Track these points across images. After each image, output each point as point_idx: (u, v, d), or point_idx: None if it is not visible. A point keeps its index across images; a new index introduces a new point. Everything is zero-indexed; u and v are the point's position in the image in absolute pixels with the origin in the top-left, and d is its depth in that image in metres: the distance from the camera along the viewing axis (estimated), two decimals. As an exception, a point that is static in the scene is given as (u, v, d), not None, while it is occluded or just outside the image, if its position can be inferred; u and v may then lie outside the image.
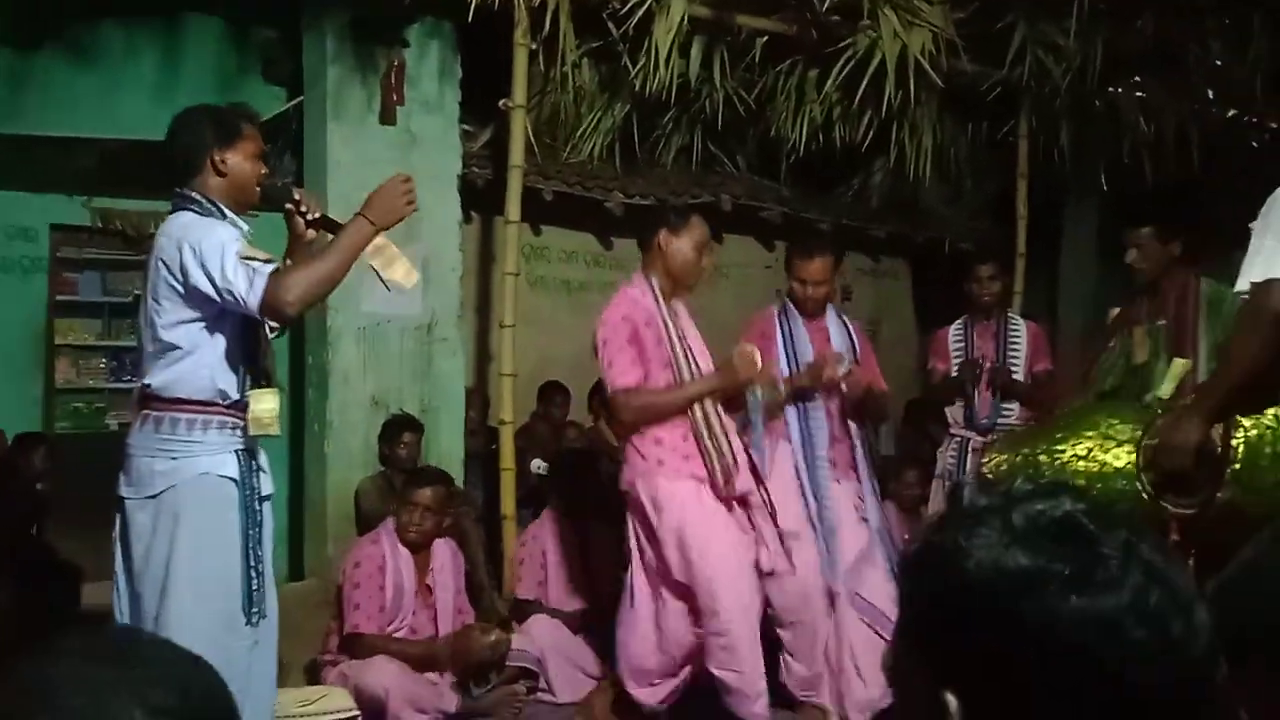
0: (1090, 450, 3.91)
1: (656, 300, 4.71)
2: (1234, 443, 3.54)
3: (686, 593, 4.59)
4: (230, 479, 3.50)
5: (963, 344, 6.04)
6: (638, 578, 4.74)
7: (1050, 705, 0.99)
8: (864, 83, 7.16)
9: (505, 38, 6.33)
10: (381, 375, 6.61)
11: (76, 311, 7.62)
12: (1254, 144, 8.97)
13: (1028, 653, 0.99)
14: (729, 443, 4.67)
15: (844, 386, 5.13)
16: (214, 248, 3.36)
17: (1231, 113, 8.75)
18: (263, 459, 3.65)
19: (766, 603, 4.83)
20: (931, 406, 6.69)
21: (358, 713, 4.69)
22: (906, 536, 6.47)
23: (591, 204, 7.79)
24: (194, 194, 3.54)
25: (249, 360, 3.56)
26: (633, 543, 4.75)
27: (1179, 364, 4.18)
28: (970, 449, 5.80)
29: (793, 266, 5.32)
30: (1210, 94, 8.54)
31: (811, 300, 5.26)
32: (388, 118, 6.64)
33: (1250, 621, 1.30)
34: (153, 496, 3.46)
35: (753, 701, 4.56)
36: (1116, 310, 4.75)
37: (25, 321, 6.94)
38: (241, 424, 3.53)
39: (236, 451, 3.52)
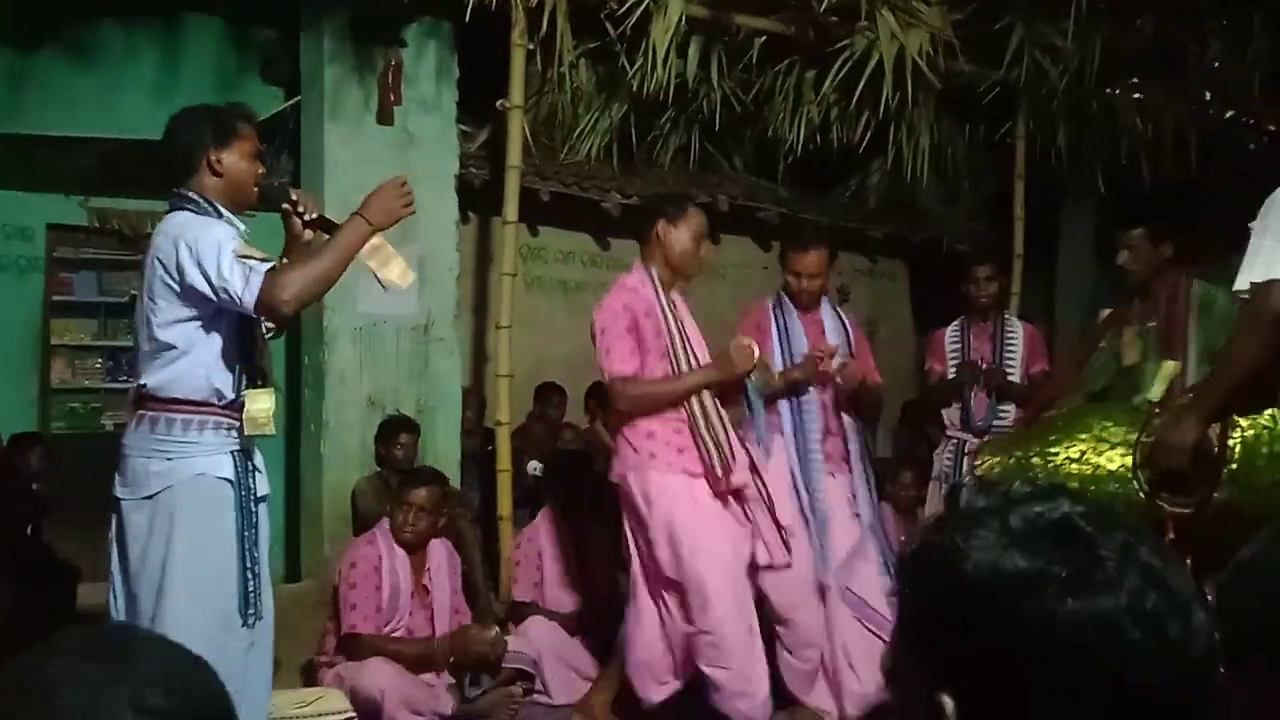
0: (1083, 453, 3.91)
1: (656, 290, 4.70)
2: (1231, 443, 3.54)
3: (677, 588, 4.58)
4: (226, 480, 3.49)
5: (959, 345, 6.04)
6: (639, 576, 4.73)
7: (1050, 705, 0.99)
8: (861, 83, 7.16)
9: (503, 38, 6.33)
10: (378, 375, 6.61)
11: (72, 311, 7.60)
12: (1252, 145, 8.98)
13: (1027, 653, 0.99)
14: (726, 434, 4.67)
15: (839, 380, 5.12)
16: (210, 246, 3.36)
17: (1229, 114, 8.77)
18: (258, 459, 3.65)
19: (763, 597, 4.82)
20: (928, 408, 6.70)
21: (354, 714, 4.67)
22: (903, 538, 6.48)
23: (589, 204, 7.79)
24: (191, 194, 3.54)
25: (245, 360, 3.55)
26: (629, 539, 4.74)
27: (1169, 365, 4.19)
28: (966, 451, 5.80)
29: (787, 259, 5.31)
30: (1208, 95, 8.55)
31: (806, 293, 5.25)
32: (385, 118, 6.64)
33: (1249, 622, 1.30)
34: (148, 497, 3.45)
35: (743, 698, 4.55)
36: (1107, 311, 4.76)
37: (21, 321, 6.94)
38: (237, 424, 3.52)
39: (232, 452, 3.52)
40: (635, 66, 6.81)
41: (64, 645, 1.06)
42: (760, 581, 4.79)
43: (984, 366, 5.93)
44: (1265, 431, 3.53)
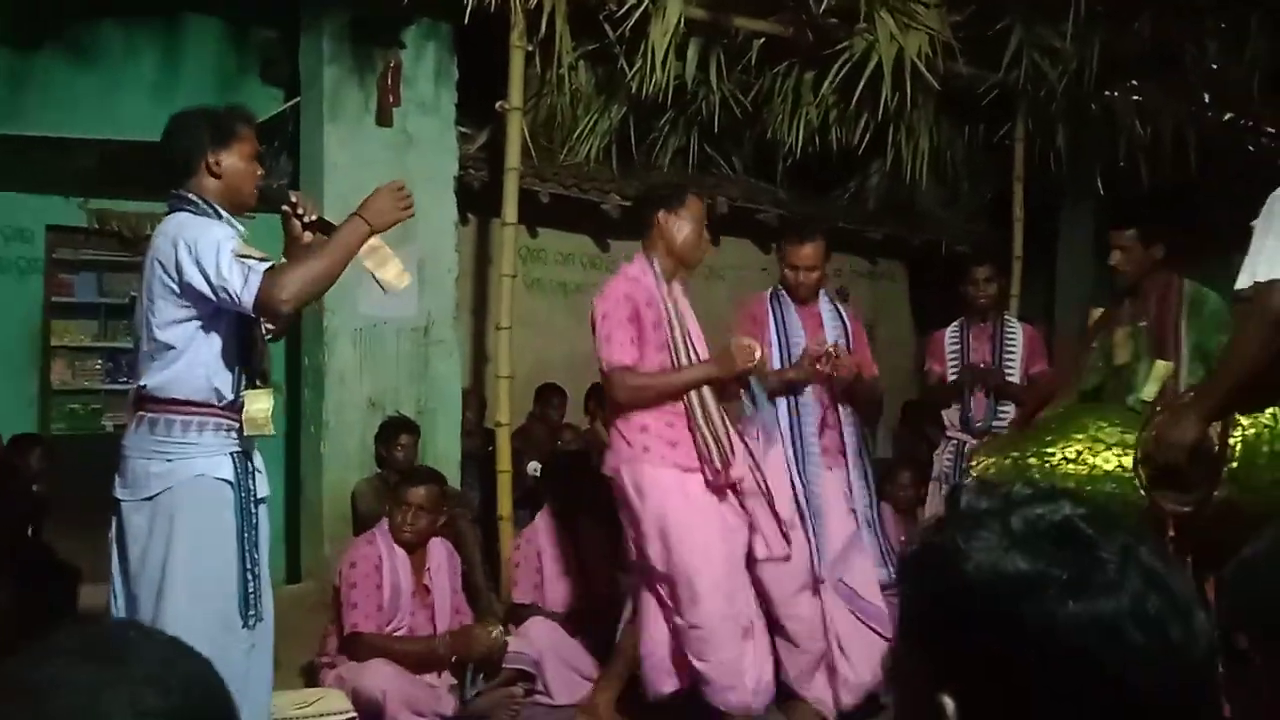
0: (1079, 453, 3.92)
1: (657, 281, 4.68)
2: (1232, 441, 3.55)
3: (668, 581, 4.57)
4: (226, 481, 3.49)
5: (959, 346, 6.04)
6: (639, 570, 4.74)
7: (1051, 707, 0.99)
8: (860, 85, 7.17)
9: (502, 40, 6.34)
10: (378, 377, 6.62)
11: (72, 313, 7.61)
12: (1251, 147, 8.99)
13: (1028, 655, 0.99)
14: (725, 428, 4.67)
15: (835, 372, 5.11)
16: (209, 245, 3.36)
17: (1228, 115, 8.77)
18: (258, 461, 3.65)
19: (763, 590, 4.83)
20: (928, 409, 6.70)
21: (355, 715, 4.67)
22: (903, 538, 6.48)
23: (588, 206, 7.79)
24: (190, 195, 3.55)
25: (244, 360, 3.55)
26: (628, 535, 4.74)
27: (1161, 366, 4.20)
28: (966, 451, 5.80)
29: (784, 252, 5.31)
30: (1207, 96, 8.56)
31: (804, 286, 5.24)
32: (384, 119, 6.65)
33: (1249, 617, 1.30)
34: (148, 499, 3.46)
35: (733, 691, 4.54)
36: (1099, 311, 4.77)
37: (21, 323, 6.94)
38: (237, 426, 3.53)
39: (232, 454, 3.52)
40: (634, 68, 6.82)
41: (61, 646, 1.05)
42: (759, 574, 4.79)
43: (983, 367, 5.94)
44: (1266, 430, 3.54)
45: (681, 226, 4.73)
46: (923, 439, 7.48)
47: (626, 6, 6.49)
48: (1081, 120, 8.23)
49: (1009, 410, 5.86)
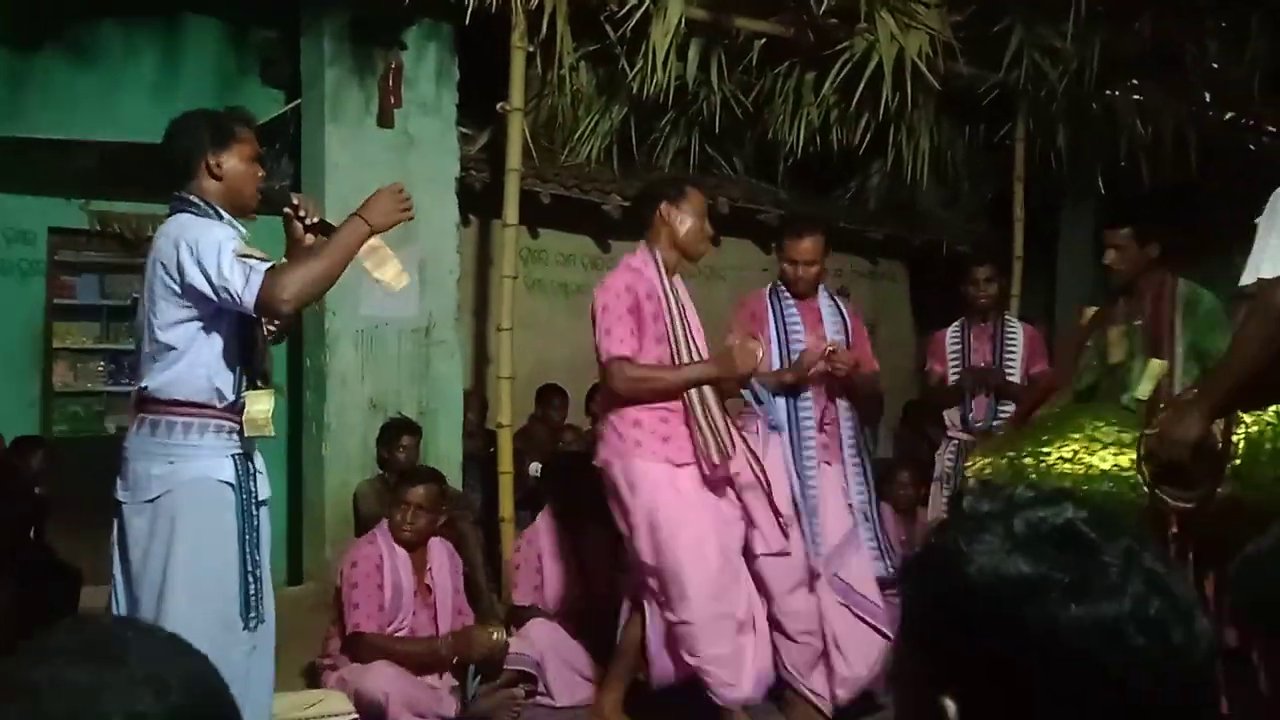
0: (1076, 453, 3.93)
1: (660, 273, 4.67)
2: (1235, 438, 3.55)
3: (657, 575, 4.56)
4: (227, 483, 3.49)
5: (960, 346, 6.05)
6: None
7: (1053, 709, 0.99)
8: (861, 85, 7.17)
9: (503, 40, 6.34)
10: (379, 378, 6.62)
11: (74, 315, 7.61)
12: (1251, 146, 8.98)
13: (1030, 657, 0.99)
14: (724, 423, 4.66)
15: (832, 367, 5.10)
16: (211, 246, 3.37)
17: (1229, 115, 8.77)
18: (259, 462, 3.65)
19: (761, 584, 4.82)
20: (929, 409, 6.70)
21: (356, 717, 4.68)
22: (903, 538, 6.49)
23: (589, 207, 7.79)
24: (191, 197, 3.55)
25: (245, 361, 3.55)
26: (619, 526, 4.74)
27: (1156, 364, 4.20)
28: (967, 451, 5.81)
29: (783, 247, 5.30)
30: (1207, 96, 8.56)
31: (803, 280, 5.23)
32: (385, 120, 6.65)
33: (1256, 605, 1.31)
34: (149, 501, 3.45)
35: (726, 687, 4.53)
36: (1092, 310, 4.78)
37: (23, 325, 6.94)
38: (238, 427, 3.53)
39: (233, 455, 3.52)
40: (635, 69, 6.82)
41: (58, 646, 1.04)
42: (757, 569, 4.79)
43: (984, 367, 5.94)
44: (1269, 427, 3.54)
45: (684, 219, 4.72)
46: (924, 439, 7.48)
47: (627, 7, 6.49)
48: (1082, 120, 8.23)
49: (1010, 410, 5.85)
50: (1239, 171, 7.94)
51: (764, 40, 7.23)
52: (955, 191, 9.21)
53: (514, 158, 6.35)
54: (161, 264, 3.45)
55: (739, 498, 4.71)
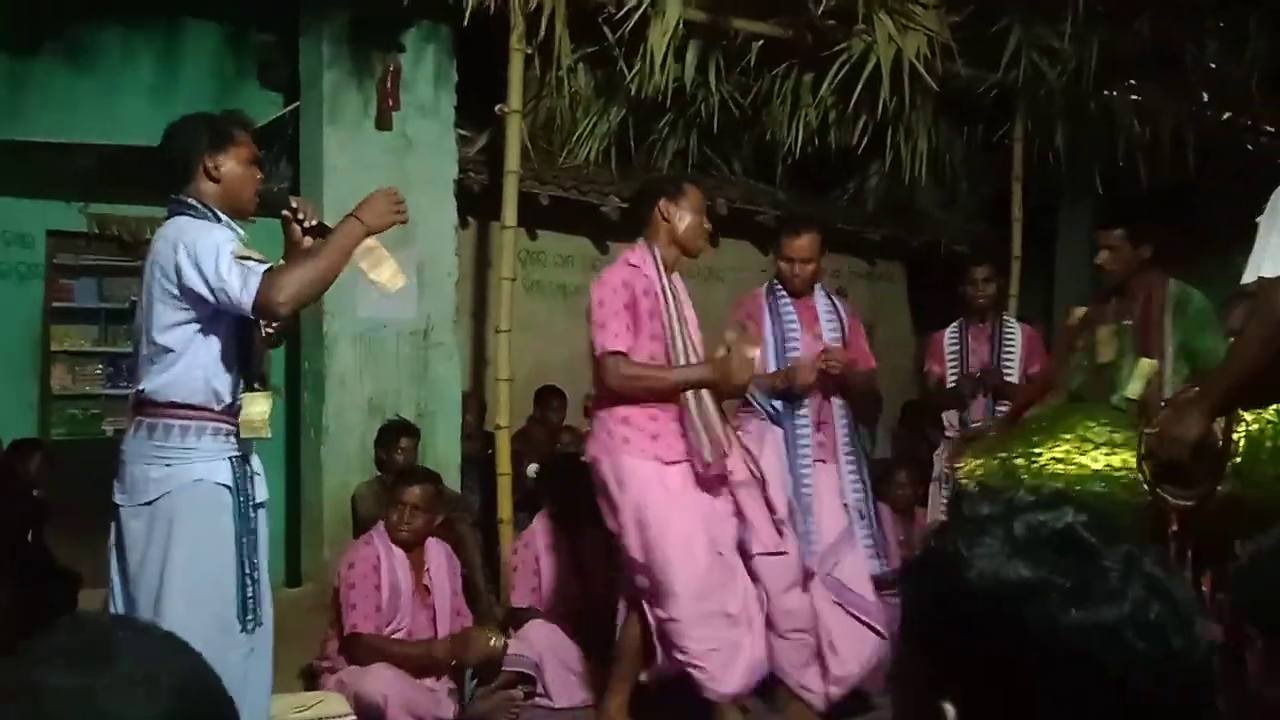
0: (1067, 453, 3.93)
1: (658, 270, 4.66)
2: (1235, 436, 3.56)
3: (646, 572, 4.56)
4: (224, 486, 3.50)
5: (958, 347, 6.05)
6: None
7: (1053, 710, 0.99)
8: (859, 86, 7.16)
9: (501, 42, 6.34)
10: (378, 380, 6.62)
11: (73, 318, 7.60)
12: (1250, 146, 8.98)
13: (1030, 659, 1.00)
14: (720, 420, 4.66)
15: (828, 367, 5.10)
16: (209, 248, 3.37)
17: (1227, 115, 8.77)
18: (257, 465, 3.66)
19: (756, 581, 4.82)
20: (928, 409, 6.70)
21: (353, 718, 4.68)
22: (901, 538, 6.49)
23: (587, 208, 7.79)
24: (189, 199, 3.56)
25: (243, 363, 3.56)
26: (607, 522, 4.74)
27: (1146, 363, 4.21)
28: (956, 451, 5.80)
29: (780, 245, 5.30)
30: (1206, 96, 8.56)
31: (799, 278, 5.24)
32: (384, 123, 6.65)
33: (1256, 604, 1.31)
34: (147, 504, 3.46)
35: (714, 681, 4.52)
36: (1080, 310, 4.78)
37: (21, 327, 6.94)
38: (235, 430, 3.53)
39: (231, 458, 3.52)
40: (633, 70, 6.82)
41: (49, 648, 1.04)
42: (754, 567, 4.79)
43: (982, 368, 5.94)
44: (1269, 426, 3.55)
45: (683, 215, 4.72)
46: (923, 439, 7.48)
47: (626, 9, 6.49)
48: (1080, 120, 8.22)
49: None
50: (1237, 171, 7.94)
51: (762, 41, 7.23)
52: (953, 192, 9.21)
53: (512, 160, 6.35)
54: (159, 266, 3.45)
55: (734, 495, 4.71)
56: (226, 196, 3.59)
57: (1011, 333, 6.06)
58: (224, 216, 3.57)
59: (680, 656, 4.54)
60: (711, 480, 4.63)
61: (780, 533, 4.81)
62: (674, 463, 4.59)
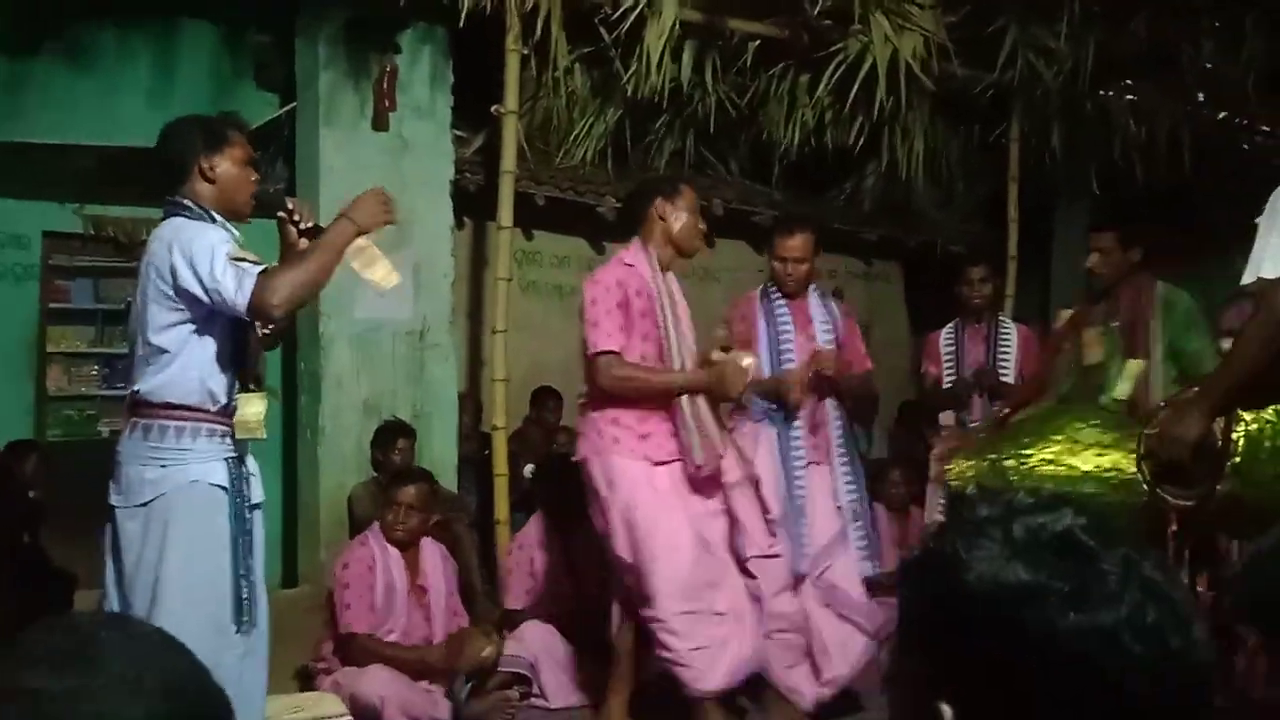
0: (1058, 454, 3.93)
1: (653, 270, 4.65)
2: (1235, 436, 3.56)
3: (633, 571, 4.55)
4: (220, 487, 3.50)
5: (954, 347, 6.05)
6: None
7: (1051, 711, 0.99)
8: (855, 87, 7.17)
9: (497, 43, 6.34)
10: (374, 381, 6.61)
11: (69, 319, 7.59)
12: (1246, 146, 8.99)
13: (1029, 661, 1.00)
14: (714, 424, 4.65)
15: (819, 368, 5.10)
16: (204, 249, 3.38)
17: (1223, 115, 8.78)
18: (253, 465, 3.65)
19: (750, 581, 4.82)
20: (925, 409, 6.70)
21: (349, 718, 4.67)
22: (896, 538, 6.49)
23: (584, 209, 7.79)
24: (185, 200, 3.56)
25: (238, 364, 3.56)
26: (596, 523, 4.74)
27: (1134, 364, 4.22)
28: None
29: (773, 245, 5.29)
30: (1202, 96, 8.56)
31: (793, 279, 5.22)
32: (380, 123, 6.64)
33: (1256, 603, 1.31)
34: (142, 505, 3.46)
35: (700, 678, 4.51)
36: (1068, 312, 4.79)
37: (17, 329, 6.94)
38: (231, 431, 3.53)
39: (226, 459, 3.52)
40: (630, 71, 6.82)
41: (33, 651, 1.03)
42: (750, 570, 4.78)
43: (978, 369, 5.94)
44: (1269, 425, 3.55)
45: (678, 214, 4.71)
46: (920, 440, 7.47)
47: (622, 9, 6.49)
48: (1076, 120, 8.23)
49: (1006, 411, 5.87)
50: (1233, 172, 7.95)
51: (758, 42, 7.23)
52: (950, 192, 9.22)
53: (508, 160, 6.35)
54: (155, 267, 3.45)
55: (726, 496, 4.71)
56: (222, 198, 3.59)
57: (1007, 333, 6.06)
58: (219, 217, 3.56)
59: (665, 655, 4.53)
60: (703, 480, 4.63)
61: (773, 534, 4.81)
62: (663, 463, 4.58)
